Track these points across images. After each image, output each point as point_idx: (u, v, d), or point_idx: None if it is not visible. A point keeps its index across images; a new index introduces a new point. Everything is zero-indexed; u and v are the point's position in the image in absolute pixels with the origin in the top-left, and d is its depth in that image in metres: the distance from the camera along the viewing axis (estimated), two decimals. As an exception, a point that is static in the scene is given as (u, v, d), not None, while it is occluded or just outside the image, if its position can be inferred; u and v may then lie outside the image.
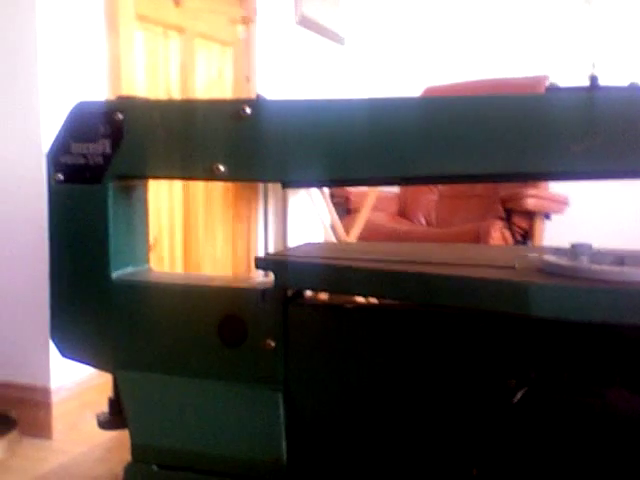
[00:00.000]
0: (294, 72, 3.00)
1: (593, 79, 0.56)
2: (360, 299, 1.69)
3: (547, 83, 2.87)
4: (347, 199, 3.09)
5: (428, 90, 3.30)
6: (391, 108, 0.75)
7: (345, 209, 3.06)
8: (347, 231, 2.68)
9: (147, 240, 1.11)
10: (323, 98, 0.81)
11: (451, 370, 0.59)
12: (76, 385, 1.71)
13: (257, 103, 0.85)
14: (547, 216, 2.76)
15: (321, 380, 0.76)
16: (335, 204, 2.80)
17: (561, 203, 2.80)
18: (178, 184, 2.23)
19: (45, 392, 1.64)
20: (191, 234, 2.35)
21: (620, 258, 0.55)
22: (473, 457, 0.55)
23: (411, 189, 3.35)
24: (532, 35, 3.55)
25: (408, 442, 0.61)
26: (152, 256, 1.12)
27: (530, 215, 2.69)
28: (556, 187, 2.83)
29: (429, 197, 3.32)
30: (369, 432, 0.66)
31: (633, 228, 3.34)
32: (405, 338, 0.64)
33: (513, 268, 0.59)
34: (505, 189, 2.87)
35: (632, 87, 0.57)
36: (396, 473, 0.61)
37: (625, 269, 0.52)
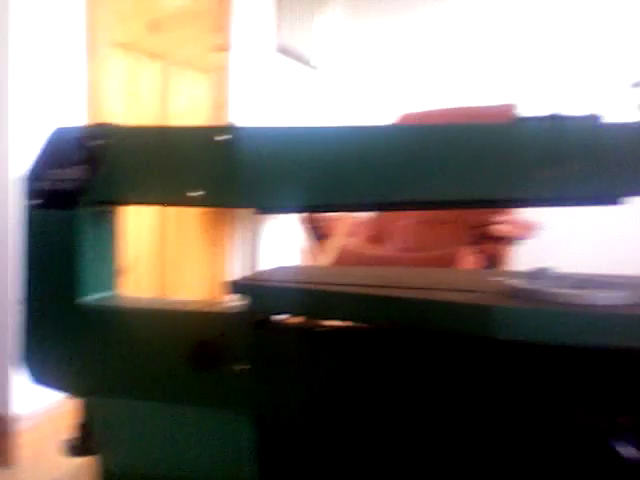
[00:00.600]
0: (271, 99, 3.03)
1: (557, 110, 0.59)
2: (335, 323, 1.70)
3: (514, 111, 2.94)
4: (321, 224, 3.11)
5: (404, 117, 3.35)
6: (368, 135, 0.77)
7: (319, 234, 3.08)
8: (321, 256, 2.70)
9: (118, 266, 1.11)
10: (300, 125, 0.83)
11: (419, 390, 0.61)
12: (39, 413, 1.69)
13: (233, 130, 0.87)
14: (517, 241, 2.80)
15: (293, 403, 0.77)
16: (309, 229, 2.82)
17: (531, 229, 2.85)
18: (153, 209, 2.23)
19: (5, 420, 1.62)
20: (166, 259, 2.35)
21: (581, 282, 0.57)
22: (444, 471, 0.57)
23: (385, 214, 3.38)
24: (500, 64, 3.63)
25: (379, 462, 0.62)
26: (126, 281, 1.12)
27: (499, 240, 2.73)
28: (528, 213, 2.88)
29: (404, 222, 3.36)
30: (341, 455, 0.67)
31: (599, 252, 3.41)
32: (376, 359, 0.65)
33: (481, 292, 0.60)
34: (476, 215, 2.91)
35: (591, 117, 0.59)
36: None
37: (584, 292, 0.54)
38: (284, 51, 3.15)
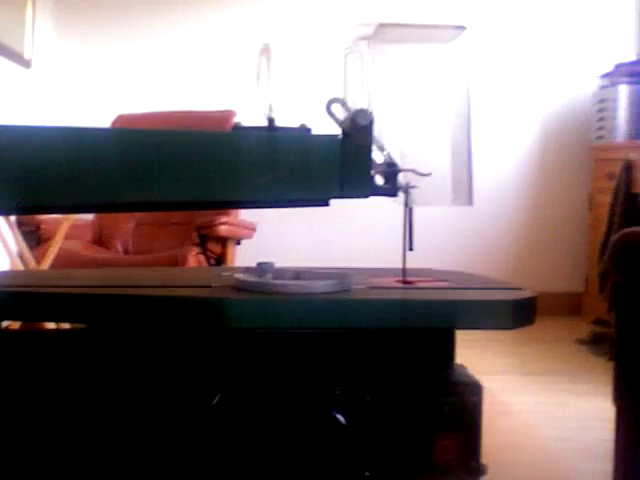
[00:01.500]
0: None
1: (270, 120, 0.65)
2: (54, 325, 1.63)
3: (234, 118, 3.05)
4: (38, 227, 2.94)
5: (120, 118, 3.29)
6: (85, 137, 0.77)
7: (36, 238, 2.90)
8: (38, 261, 2.55)
9: None
10: (11, 124, 0.79)
11: (154, 380, 0.63)
12: None
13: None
14: (238, 241, 2.93)
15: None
16: (24, 233, 2.65)
17: (250, 229, 2.99)
18: None
19: None
20: None
21: (297, 273, 0.65)
22: (175, 461, 0.60)
23: (107, 216, 3.29)
24: (219, 71, 3.74)
25: (115, 450, 0.63)
26: None
27: (223, 241, 2.83)
28: (245, 214, 3.02)
29: (126, 225, 3.30)
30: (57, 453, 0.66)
31: (308, 247, 3.70)
32: (107, 358, 0.66)
33: (209, 287, 0.64)
34: (200, 217, 2.97)
35: (302, 128, 0.67)
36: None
37: (302, 282, 0.61)
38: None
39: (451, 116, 0.68)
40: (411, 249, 0.66)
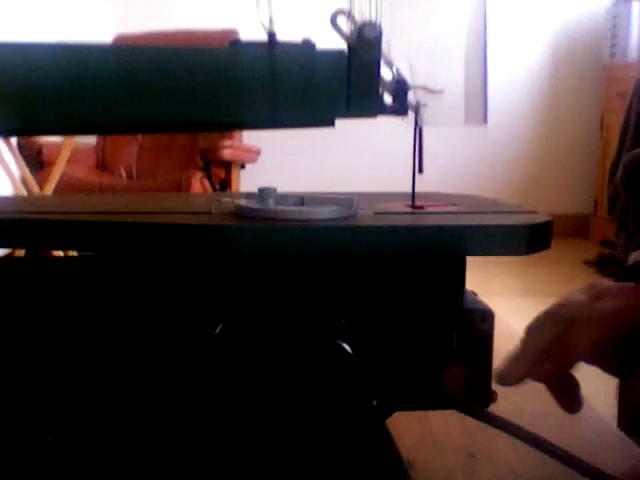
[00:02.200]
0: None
1: (271, 35, 0.61)
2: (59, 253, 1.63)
3: (235, 36, 2.96)
4: (39, 152, 2.91)
5: (118, 38, 3.20)
6: (82, 54, 0.73)
7: (38, 162, 2.88)
8: (41, 186, 2.53)
9: None
10: (5, 40, 0.76)
11: (156, 309, 0.62)
12: None
13: None
14: (242, 165, 2.90)
15: None
16: (26, 157, 2.62)
17: (254, 153, 2.96)
18: None
19: None
20: None
21: (301, 199, 0.62)
22: (179, 393, 0.59)
23: (110, 141, 3.25)
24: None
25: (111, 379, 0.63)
26: None
27: (227, 165, 2.80)
28: (249, 139, 2.97)
29: (129, 149, 3.26)
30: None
31: (314, 172, 3.66)
32: (106, 285, 0.65)
33: (209, 213, 0.62)
34: (204, 141, 2.93)
35: (306, 43, 0.63)
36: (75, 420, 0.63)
37: (304, 208, 0.58)
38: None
39: (464, 31, 0.64)
40: (421, 172, 0.63)
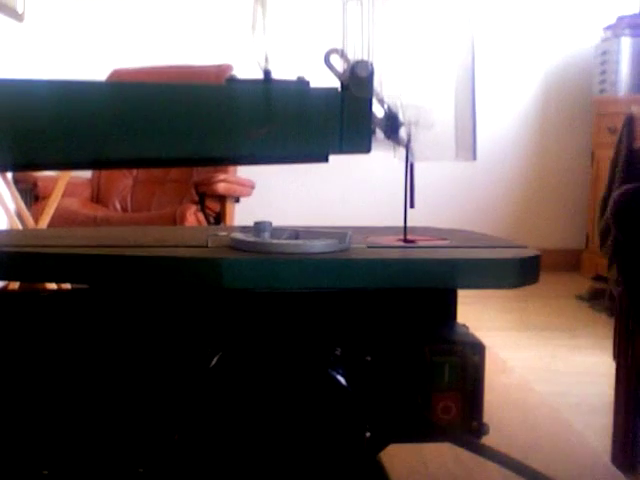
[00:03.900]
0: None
1: (267, 72, 0.62)
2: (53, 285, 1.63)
3: (231, 72, 3.01)
4: (34, 185, 2.92)
5: (115, 73, 3.24)
6: (79, 91, 0.75)
7: (33, 196, 2.89)
8: (36, 219, 2.54)
9: None
10: (3, 77, 0.77)
11: (152, 341, 0.62)
12: None
13: None
14: (237, 199, 2.92)
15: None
16: (21, 190, 2.63)
17: (248, 187, 2.98)
18: None
19: None
20: None
21: (296, 233, 0.63)
22: (174, 423, 0.59)
23: (105, 174, 3.27)
24: (216, 25, 3.67)
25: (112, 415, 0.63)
26: None
27: (221, 198, 2.81)
28: (244, 173, 3.00)
29: (124, 182, 3.28)
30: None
31: (308, 206, 3.69)
32: (102, 319, 0.65)
33: (206, 246, 0.63)
34: (198, 174, 2.95)
35: (300, 81, 0.64)
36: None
37: (299, 242, 0.59)
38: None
39: (454, 67, 0.66)
40: (412, 206, 0.64)
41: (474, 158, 0.64)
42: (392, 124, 0.63)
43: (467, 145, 0.63)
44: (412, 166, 0.65)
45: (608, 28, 3.68)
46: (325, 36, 0.65)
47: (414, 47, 0.67)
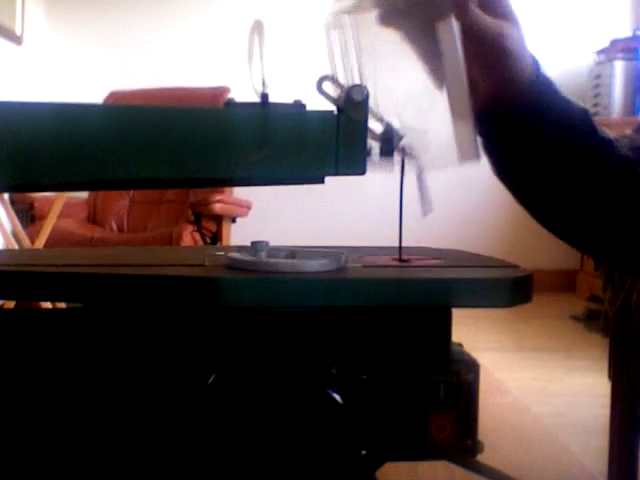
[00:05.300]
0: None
1: (264, 96, 0.64)
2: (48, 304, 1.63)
3: (228, 94, 3.03)
4: (31, 206, 2.93)
5: (112, 95, 3.26)
6: (76, 113, 0.76)
7: (29, 216, 2.89)
8: (32, 239, 2.54)
9: None
10: (1, 100, 0.78)
11: (149, 360, 0.63)
12: None
13: None
14: (233, 219, 2.93)
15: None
16: (18, 211, 2.64)
17: (245, 207, 2.99)
18: None
19: None
20: None
21: (292, 252, 0.64)
22: (170, 441, 0.59)
23: (101, 195, 3.28)
24: (213, 47, 3.70)
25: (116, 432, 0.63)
26: None
27: (218, 219, 2.82)
28: (240, 193, 3.01)
29: (120, 203, 3.29)
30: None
31: (304, 226, 3.69)
32: (100, 337, 0.66)
33: (203, 265, 0.64)
34: (195, 195, 2.96)
35: (297, 104, 0.65)
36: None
37: (296, 261, 0.60)
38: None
39: (446, 80, 0.66)
40: (426, 213, 0.65)
41: (479, 157, 0.64)
42: (391, 138, 0.63)
43: (469, 146, 0.63)
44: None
45: (601, 52, 3.72)
46: (320, 61, 0.67)
47: (403, 67, 0.68)
